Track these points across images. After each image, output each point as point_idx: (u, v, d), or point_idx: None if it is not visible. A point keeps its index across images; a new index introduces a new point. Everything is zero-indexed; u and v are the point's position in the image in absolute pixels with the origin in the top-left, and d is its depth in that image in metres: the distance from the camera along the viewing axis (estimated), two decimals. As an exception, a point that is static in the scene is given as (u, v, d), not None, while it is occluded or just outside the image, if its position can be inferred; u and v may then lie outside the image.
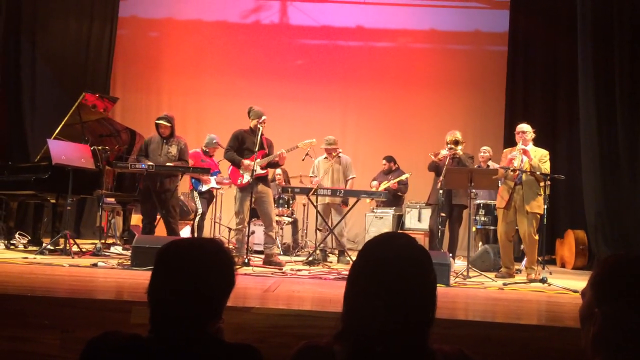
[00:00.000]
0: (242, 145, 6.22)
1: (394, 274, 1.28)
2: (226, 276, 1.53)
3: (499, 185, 6.10)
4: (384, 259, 1.31)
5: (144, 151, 6.53)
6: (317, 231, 7.22)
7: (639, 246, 7.16)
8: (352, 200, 7.09)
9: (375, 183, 8.55)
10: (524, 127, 6.06)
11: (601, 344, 1.22)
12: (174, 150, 6.49)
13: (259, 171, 6.11)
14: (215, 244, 1.56)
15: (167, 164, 6.35)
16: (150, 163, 6.21)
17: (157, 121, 6.53)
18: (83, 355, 1.43)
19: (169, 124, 6.48)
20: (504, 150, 6.35)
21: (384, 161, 8.77)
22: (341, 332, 1.31)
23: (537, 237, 5.81)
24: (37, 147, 7.72)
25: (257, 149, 6.09)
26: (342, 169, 7.29)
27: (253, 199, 6.10)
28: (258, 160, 6.07)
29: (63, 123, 6.67)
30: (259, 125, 6.14)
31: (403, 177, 8.51)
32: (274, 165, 6.47)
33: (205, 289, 1.47)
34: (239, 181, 6.19)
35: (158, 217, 6.55)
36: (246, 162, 6.11)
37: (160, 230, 6.66)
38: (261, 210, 6.29)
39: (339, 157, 7.32)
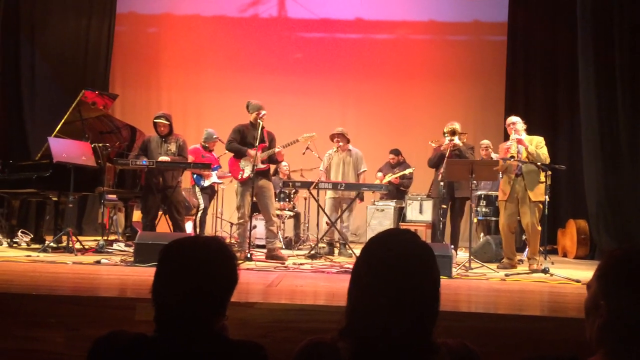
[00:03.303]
0: (243, 140, 6.22)
1: (397, 271, 1.29)
2: (229, 273, 1.54)
3: (500, 177, 6.10)
4: (388, 256, 1.31)
5: (143, 151, 6.57)
6: (326, 225, 7.14)
7: (640, 235, 7.17)
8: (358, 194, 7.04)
9: (380, 174, 8.55)
10: (514, 118, 6.13)
11: (606, 336, 1.23)
12: (173, 147, 6.55)
13: (259, 165, 6.11)
14: (217, 241, 1.57)
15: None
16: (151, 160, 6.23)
17: (156, 120, 6.58)
18: (90, 355, 1.44)
19: (167, 122, 6.54)
20: (500, 145, 6.35)
21: (392, 155, 8.76)
22: (345, 328, 1.31)
23: (539, 228, 5.82)
24: (37, 145, 7.71)
25: (257, 143, 6.08)
26: (353, 162, 7.27)
27: (254, 193, 6.10)
28: (258, 154, 6.07)
29: (63, 121, 6.66)
30: (258, 120, 6.13)
31: (407, 172, 8.50)
32: (273, 160, 6.46)
33: (208, 287, 1.48)
34: (239, 176, 6.20)
35: (159, 214, 6.57)
36: (252, 152, 6.08)
37: (161, 227, 6.66)
38: (261, 204, 6.30)
39: (350, 150, 7.31)
